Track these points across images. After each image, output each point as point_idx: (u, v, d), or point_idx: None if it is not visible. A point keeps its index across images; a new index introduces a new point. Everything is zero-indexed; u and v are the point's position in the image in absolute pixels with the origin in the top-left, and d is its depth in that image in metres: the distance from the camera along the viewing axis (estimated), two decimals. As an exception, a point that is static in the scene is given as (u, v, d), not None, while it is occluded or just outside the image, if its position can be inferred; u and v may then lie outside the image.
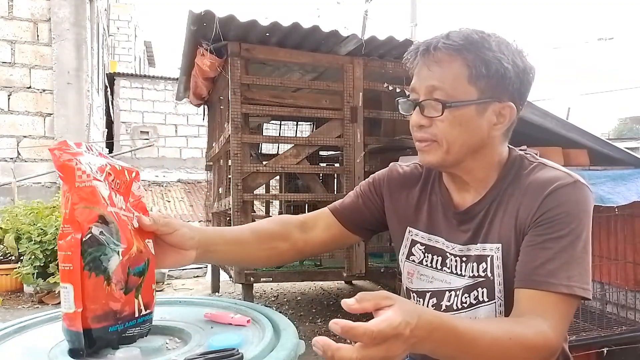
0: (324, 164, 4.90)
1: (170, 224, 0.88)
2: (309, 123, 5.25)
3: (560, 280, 0.82)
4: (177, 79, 4.94)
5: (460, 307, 0.95)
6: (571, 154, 2.33)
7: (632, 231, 2.33)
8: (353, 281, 4.94)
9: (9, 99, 6.66)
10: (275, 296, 4.59)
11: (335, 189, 4.49)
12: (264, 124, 5.09)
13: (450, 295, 0.97)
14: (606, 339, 2.15)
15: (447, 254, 0.98)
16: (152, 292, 0.87)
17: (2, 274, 4.56)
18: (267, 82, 3.42)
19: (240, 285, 3.32)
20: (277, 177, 4.87)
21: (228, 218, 3.82)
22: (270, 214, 5.64)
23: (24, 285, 4.45)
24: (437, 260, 1.00)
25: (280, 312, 1.04)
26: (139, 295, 0.83)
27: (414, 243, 1.04)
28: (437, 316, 0.70)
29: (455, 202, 1.00)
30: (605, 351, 2.14)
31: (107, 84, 11.80)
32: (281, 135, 5.00)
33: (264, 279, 3.32)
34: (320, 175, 4.32)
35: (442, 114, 0.88)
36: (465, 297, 0.95)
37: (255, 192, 3.48)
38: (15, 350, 0.84)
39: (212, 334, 0.88)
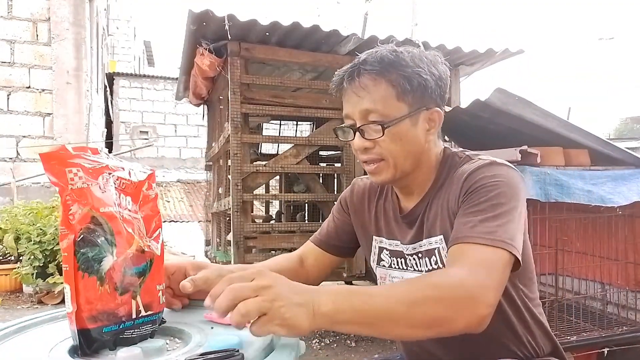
0: (324, 164, 4.89)
1: (209, 281, 0.95)
2: (309, 123, 5.24)
3: (478, 233, 0.85)
4: (177, 78, 4.93)
5: None
6: (572, 154, 2.32)
7: (633, 231, 2.32)
8: (353, 281, 4.94)
9: (8, 98, 6.65)
10: (275, 296, 4.58)
11: (335, 189, 4.49)
12: (264, 124, 5.08)
13: None
14: (607, 339, 2.15)
15: (405, 255, 1.07)
16: (156, 293, 0.87)
17: (2, 274, 4.55)
18: (267, 82, 3.41)
19: (240, 285, 3.31)
20: (277, 177, 4.87)
21: (228, 218, 3.82)
22: (270, 214, 5.64)
23: (23, 286, 4.44)
24: (400, 261, 1.09)
25: (280, 312, 1.04)
26: (137, 296, 0.83)
27: (381, 250, 1.13)
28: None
29: (402, 207, 1.09)
30: (606, 351, 2.14)
31: (106, 84, 11.79)
32: (281, 135, 4.99)
33: (264, 279, 3.32)
34: (320, 175, 4.32)
35: (382, 135, 0.95)
36: None
37: (255, 192, 3.48)
38: (15, 350, 0.83)
39: (212, 334, 0.88)
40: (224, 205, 3.76)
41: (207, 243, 5.20)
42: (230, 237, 3.43)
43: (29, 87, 6.73)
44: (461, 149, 1.07)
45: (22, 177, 6.37)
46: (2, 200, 6.20)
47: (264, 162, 3.49)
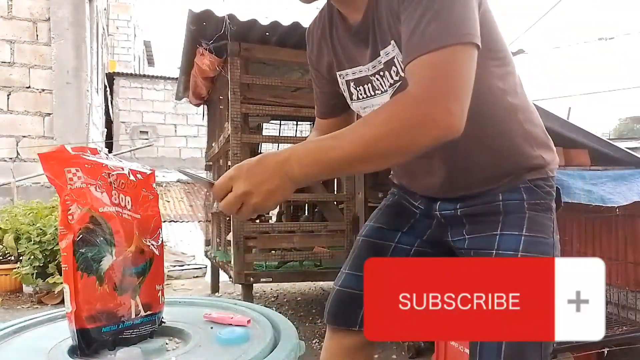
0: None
1: None
2: (308, 123, 5.24)
3: (426, 41, 0.75)
4: (177, 78, 4.93)
5: None
6: (572, 154, 2.33)
7: (633, 231, 2.32)
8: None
9: (8, 98, 6.65)
10: (275, 296, 4.58)
11: (335, 189, 4.49)
12: (264, 124, 5.08)
13: None
14: (607, 339, 2.14)
15: (370, 77, 0.97)
16: (155, 293, 0.87)
17: (2, 274, 4.55)
18: (267, 82, 3.41)
19: (240, 285, 3.31)
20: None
21: (228, 218, 3.82)
22: (270, 214, 5.63)
23: (23, 286, 4.45)
24: (367, 88, 1.00)
25: (280, 312, 1.04)
26: (137, 296, 0.83)
27: (348, 84, 1.03)
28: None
29: (350, 25, 0.97)
30: (606, 351, 2.14)
31: (106, 84, 11.79)
32: (281, 135, 4.99)
33: (264, 280, 3.32)
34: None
35: None
36: None
37: (255, 192, 3.47)
38: (15, 350, 0.83)
39: (213, 333, 0.88)
40: (224, 205, 3.75)
41: (207, 243, 5.20)
42: (230, 237, 3.43)
43: (29, 87, 6.73)
44: None
45: (22, 177, 6.37)
46: (2, 200, 6.20)
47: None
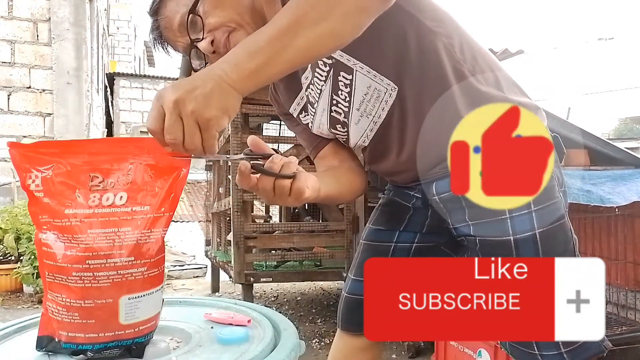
0: (324, 164, 4.89)
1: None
2: (308, 123, 5.24)
3: None
4: (177, 78, 4.92)
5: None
6: (571, 154, 2.33)
7: (632, 231, 2.33)
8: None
9: (8, 98, 6.65)
10: (275, 296, 4.58)
11: (335, 189, 4.48)
12: (264, 124, 5.08)
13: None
14: (607, 339, 2.15)
15: (304, 95, 1.02)
16: None
17: (2, 274, 4.55)
18: (267, 82, 3.41)
19: (240, 285, 3.31)
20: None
21: (228, 218, 3.82)
22: (270, 214, 5.64)
23: (24, 286, 4.45)
24: (309, 106, 1.03)
25: (280, 312, 1.04)
26: None
27: (299, 119, 1.08)
28: None
29: None
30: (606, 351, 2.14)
31: (106, 84, 11.79)
32: (281, 135, 4.99)
33: (264, 279, 3.32)
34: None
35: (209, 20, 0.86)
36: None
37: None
38: (16, 350, 0.83)
39: (213, 333, 0.88)
40: (225, 205, 3.76)
41: (207, 243, 5.20)
42: (230, 237, 3.43)
43: (30, 87, 6.73)
44: None
45: (23, 177, 6.36)
46: (2, 200, 6.20)
47: (264, 162, 3.49)
